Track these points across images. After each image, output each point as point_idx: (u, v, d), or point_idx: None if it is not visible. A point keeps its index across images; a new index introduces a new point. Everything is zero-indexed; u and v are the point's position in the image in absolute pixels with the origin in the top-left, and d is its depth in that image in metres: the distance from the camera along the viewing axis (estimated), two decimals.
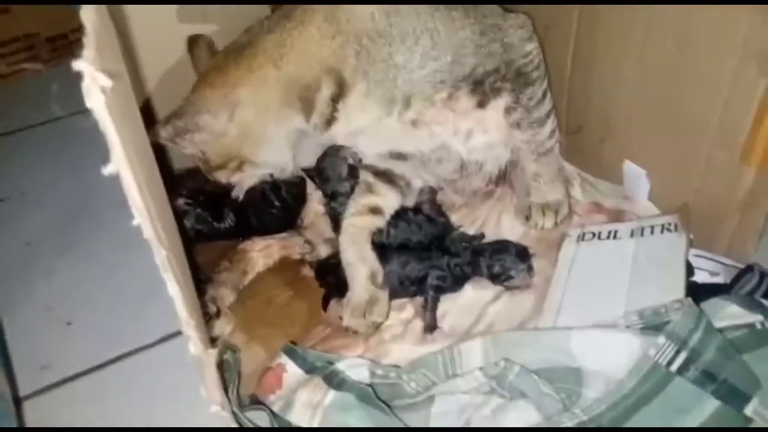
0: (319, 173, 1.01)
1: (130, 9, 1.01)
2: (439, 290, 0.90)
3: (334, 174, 0.99)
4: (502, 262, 0.89)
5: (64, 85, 1.40)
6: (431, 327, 0.88)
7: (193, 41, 1.01)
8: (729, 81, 0.79)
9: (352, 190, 1.00)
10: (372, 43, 0.85)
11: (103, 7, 0.56)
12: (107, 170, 0.46)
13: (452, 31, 0.85)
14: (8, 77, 1.52)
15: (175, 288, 0.56)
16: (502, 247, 0.92)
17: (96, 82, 0.42)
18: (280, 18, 0.89)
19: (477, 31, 0.86)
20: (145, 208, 0.48)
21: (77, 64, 0.43)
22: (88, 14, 0.47)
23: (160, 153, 0.93)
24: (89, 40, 0.45)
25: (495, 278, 0.90)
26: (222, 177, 0.96)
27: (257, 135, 0.91)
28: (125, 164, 0.44)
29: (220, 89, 0.88)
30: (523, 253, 0.90)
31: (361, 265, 0.91)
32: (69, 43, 1.53)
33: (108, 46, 0.52)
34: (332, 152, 0.99)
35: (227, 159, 0.93)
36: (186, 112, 0.89)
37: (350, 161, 1.00)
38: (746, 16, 0.74)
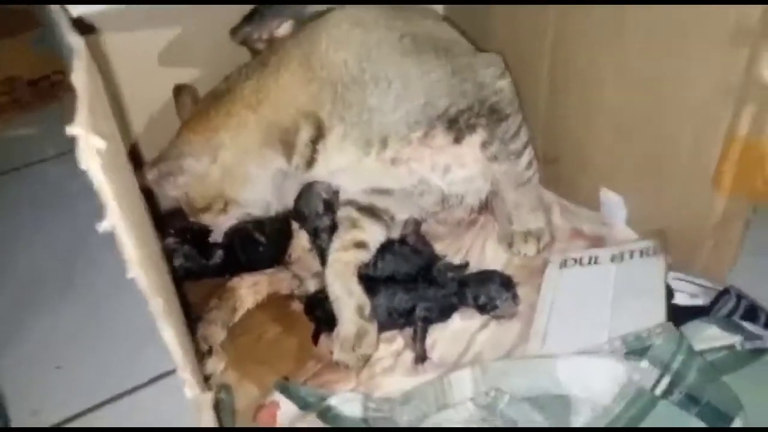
0: (297, 214, 1.03)
1: (116, 57, 1.03)
2: (427, 321, 0.92)
3: (311, 212, 1.02)
4: (487, 292, 0.91)
5: (50, 126, 1.42)
6: (421, 358, 0.90)
7: (178, 90, 1.04)
8: (698, 111, 0.83)
9: (333, 223, 1.02)
10: (346, 89, 0.88)
11: (93, 65, 0.57)
12: (102, 227, 0.48)
13: (423, 73, 0.88)
14: None
15: (170, 334, 0.57)
16: (486, 277, 0.93)
17: (90, 146, 0.44)
18: (258, 65, 0.93)
19: (449, 71, 0.89)
20: (139, 263, 0.49)
21: (71, 129, 0.44)
22: (79, 77, 0.49)
23: (148, 194, 0.95)
24: (81, 104, 0.46)
25: (481, 308, 0.92)
26: (207, 219, 0.99)
27: (240, 176, 0.93)
28: (120, 222, 0.46)
29: (202, 134, 0.91)
30: (507, 283, 0.92)
31: (348, 299, 0.93)
32: (51, 84, 1.54)
33: (99, 107, 0.54)
34: (306, 190, 1.01)
35: (211, 201, 0.95)
36: (170, 156, 0.92)
37: (324, 196, 1.02)
38: (715, 51, 0.77)
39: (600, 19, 0.90)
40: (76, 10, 0.74)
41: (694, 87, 0.81)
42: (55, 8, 0.73)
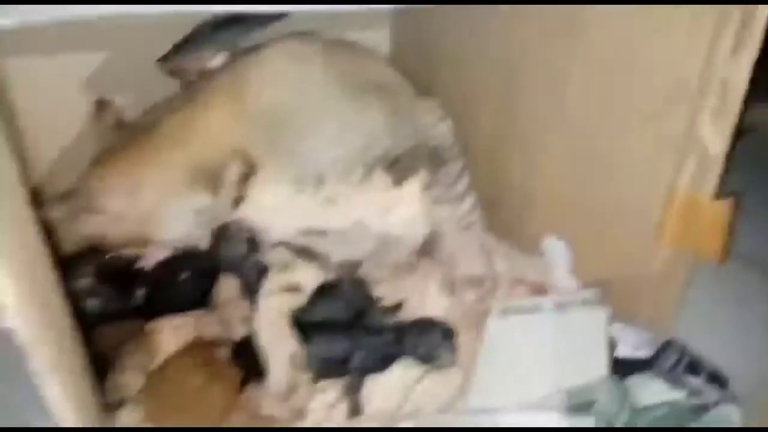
0: (218, 257, 0.96)
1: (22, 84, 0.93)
2: (364, 371, 0.87)
3: (234, 255, 0.95)
4: (426, 341, 0.87)
5: None
6: (356, 410, 0.84)
7: (100, 107, 0.96)
8: (640, 163, 0.83)
9: (260, 263, 0.96)
10: (279, 126, 0.85)
11: None
12: None
13: (362, 114, 0.87)
14: None
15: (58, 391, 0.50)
16: (426, 326, 0.89)
17: None
18: (186, 97, 0.89)
19: (388, 113, 0.88)
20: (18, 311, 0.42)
21: None
22: None
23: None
24: None
25: (421, 359, 0.87)
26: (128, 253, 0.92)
27: (161, 216, 0.88)
28: None
29: (121, 169, 0.85)
30: (447, 332, 0.88)
31: (278, 347, 0.86)
32: None
33: None
34: (224, 232, 0.94)
35: (129, 241, 0.89)
36: (83, 192, 0.85)
37: (246, 235, 0.95)
38: (657, 106, 0.77)
39: (544, 69, 0.90)
40: None
41: (635, 140, 0.82)
42: None
